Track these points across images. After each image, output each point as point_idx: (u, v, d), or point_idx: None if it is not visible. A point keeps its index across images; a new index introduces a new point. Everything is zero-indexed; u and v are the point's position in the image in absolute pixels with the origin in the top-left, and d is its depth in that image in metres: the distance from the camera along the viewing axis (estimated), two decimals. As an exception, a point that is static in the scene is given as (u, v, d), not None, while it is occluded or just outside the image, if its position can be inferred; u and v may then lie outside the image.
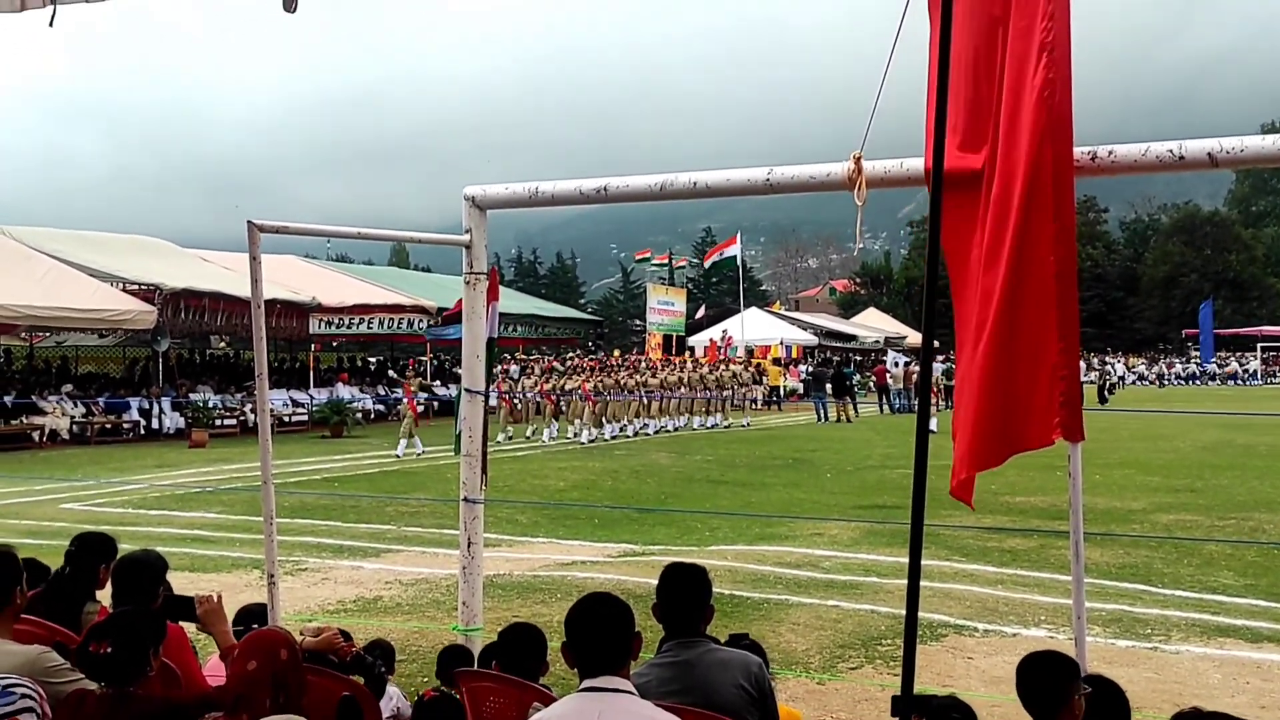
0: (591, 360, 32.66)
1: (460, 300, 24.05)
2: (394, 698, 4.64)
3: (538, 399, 27.94)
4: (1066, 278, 3.92)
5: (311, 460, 21.31)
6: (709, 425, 31.01)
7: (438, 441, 22.98)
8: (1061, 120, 3.91)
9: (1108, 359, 63.91)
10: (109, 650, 3.38)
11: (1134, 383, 63.46)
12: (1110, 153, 4.35)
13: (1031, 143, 3.90)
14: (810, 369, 43.33)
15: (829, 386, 35.73)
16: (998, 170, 4.00)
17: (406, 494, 16.07)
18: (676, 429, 29.76)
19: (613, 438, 26.85)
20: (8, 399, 25.24)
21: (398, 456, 21.63)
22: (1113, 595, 9.20)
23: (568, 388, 27.55)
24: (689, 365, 33.48)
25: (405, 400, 23.36)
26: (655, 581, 3.88)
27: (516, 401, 29.28)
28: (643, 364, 31.34)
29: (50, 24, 5.62)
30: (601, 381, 27.58)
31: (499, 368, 30.17)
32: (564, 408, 27.42)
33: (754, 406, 39.57)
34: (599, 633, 3.14)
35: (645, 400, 28.88)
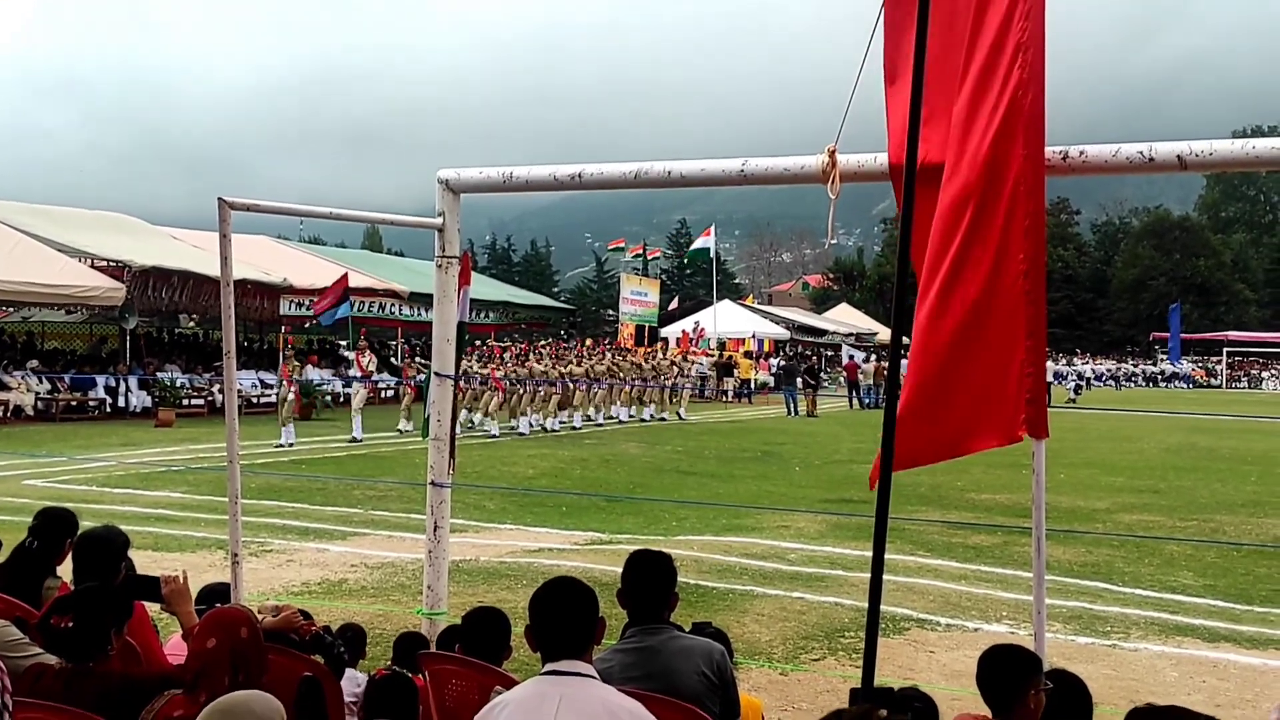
0: (499, 346, 30.58)
1: (332, 285, 23.70)
2: (360, 683, 4.63)
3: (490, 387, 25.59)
4: (1035, 275, 3.95)
5: (279, 441, 21.17)
6: (644, 417, 29.35)
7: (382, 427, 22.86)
8: (1033, 119, 3.94)
9: (1074, 360, 64.45)
10: (70, 625, 3.37)
11: (1105, 384, 63.99)
12: (1081, 153, 4.39)
13: (1002, 141, 3.92)
14: (782, 363, 43.41)
15: (800, 381, 35.82)
16: (966, 167, 4.02)
17: (374, 477, 16.02)
18: (597, 422, 27.67)
19: (531, 433, 24.70)
20: (-29, 374, 24.96)
21: (288, 446, 20.24)
22: (1074, 592, 9.30)
23: (475, 373, 25.24)
24: (620, 353, 31.22)
25: (285, 384, 21.75)
26: (620, 569, 3.89)
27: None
28: (569, 352, 29.21)
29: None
30: (515, 370, 25.38)
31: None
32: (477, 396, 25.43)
33: (724, 399, 39.64)
34: (563, 616, 3.14)
35: (567, 390, 26.39)
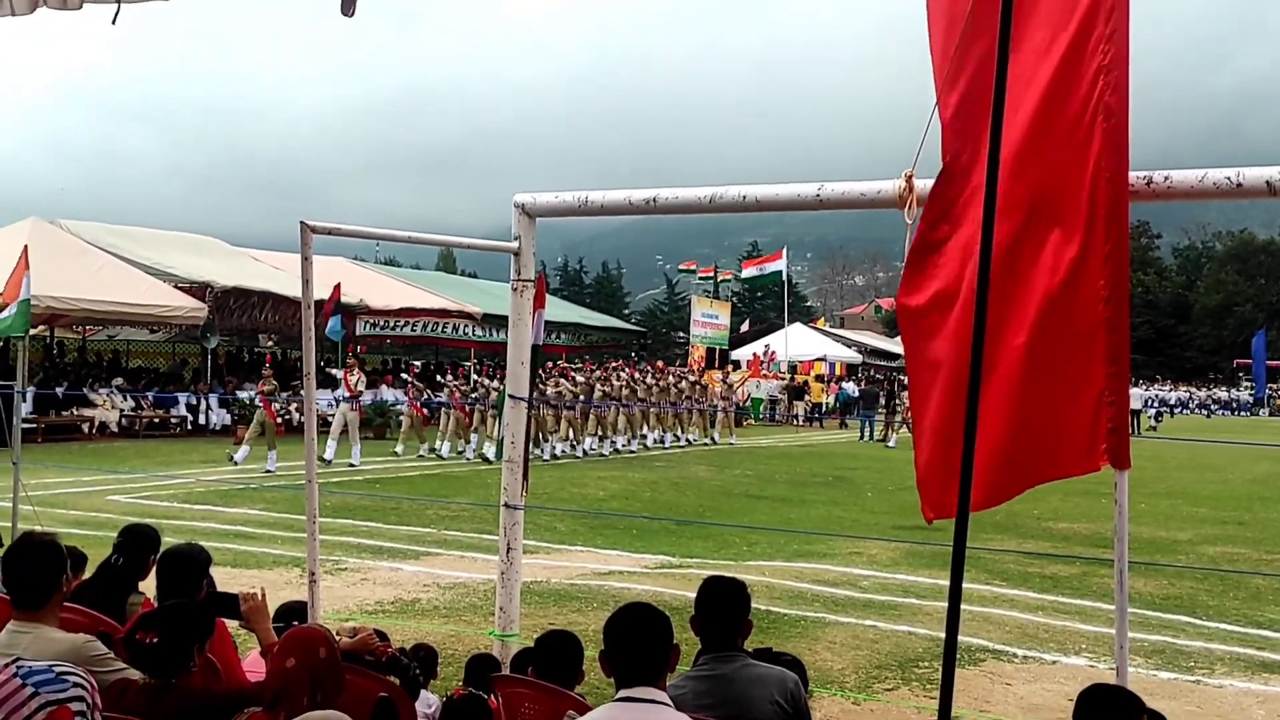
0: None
1: (332, 295, 22.62)
2: (432, 705, 4.66)
3: (448, 408, 24.22)
4: (1117, 303, 3.87)
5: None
6: (664, 443, 27.90)
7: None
8: (1117, 144, 3.87)
9: (1154, 387, 63.06)
10: (155, 641, 3.44)
11: (1187, 411, 62.49)
12: (1166, 179, 4.30)
13: (1084, 166, 3.86)
14: (862, 387, 42.97)
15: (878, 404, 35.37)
16: (1040, 193, 3.96)
17: (447, 497, 16.15)
18: (619, 449, 25.87)
19: (552, 458, 23.33)
20: (59, 390, 25.64)
21: (268, 471, 18.85)
22: (1155, 626, 9.08)
23: (475, 395, 23.86)
24: (645, 375, 28.69)
25: (261, 406, 19.97)
26: (692, 594, 3.87)
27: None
28: (592, 373, 27.43)
29: (113, 21, 5.73)
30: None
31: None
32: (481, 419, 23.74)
33: (795, 423, 39.37)
34: (637, 643, 3.14)
35: (581, 414, 25.07)
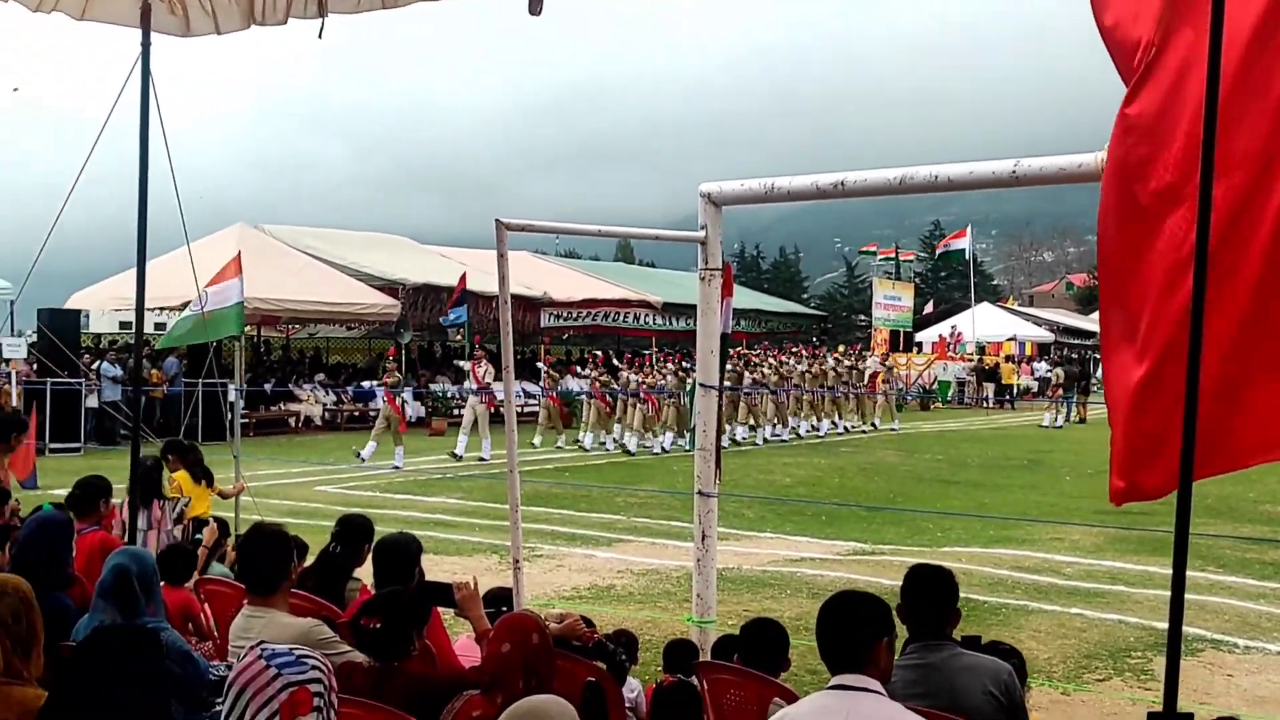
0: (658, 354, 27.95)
1: (458, 285, 21.77)
2: (635, 689, 4.73)
3: (589, 397, 23.53)
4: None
5: (543, 450, 21.96)
6: (820, 432, 26.32)
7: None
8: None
9: None
10: (378, 626, 3.60)
11: None
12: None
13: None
14: (1064, 368, 41.39)
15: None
16: (1261, 152, 3.72)
17: (634, 485, 16.35)
18: (767, 440, 24.62)
19: (667, 450, 21.89)
20: (268, 387, 27.08)
21: (395, 467, 18.24)
22: (1392, 615, 8.48)
23: (614, 384, 23.17)
24: (788, 361, 26.94)
25: (385, 399, 20.06)
26: (887, 581, 3.84)
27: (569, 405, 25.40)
28: (739, 360, 25.62)
29: (319, 35, 6.02)
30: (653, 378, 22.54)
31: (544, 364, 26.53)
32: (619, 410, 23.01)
33: (985, 405, 38.24)
34: (838, 629, 3.10)
35: (730, 401, 23.09)
